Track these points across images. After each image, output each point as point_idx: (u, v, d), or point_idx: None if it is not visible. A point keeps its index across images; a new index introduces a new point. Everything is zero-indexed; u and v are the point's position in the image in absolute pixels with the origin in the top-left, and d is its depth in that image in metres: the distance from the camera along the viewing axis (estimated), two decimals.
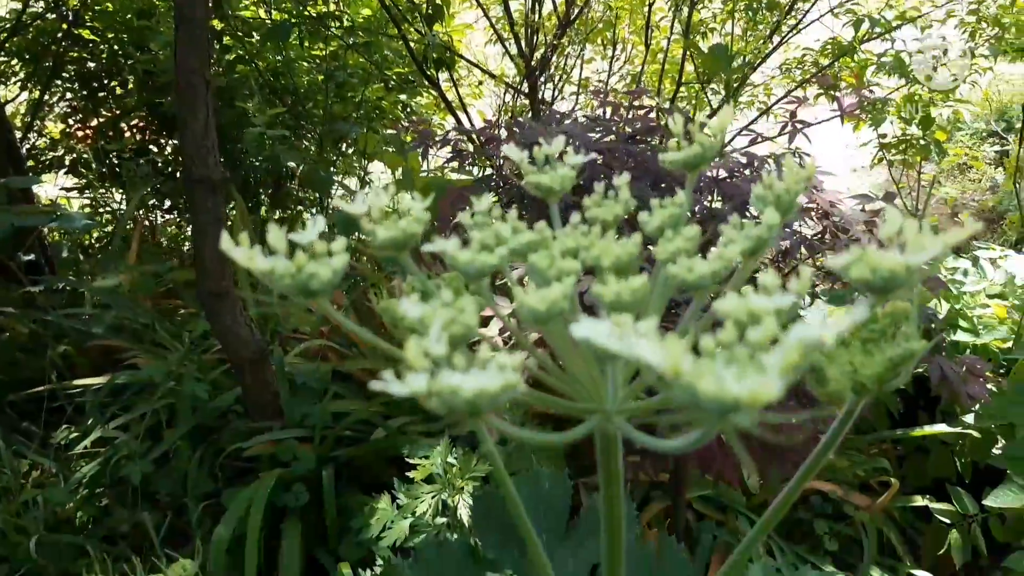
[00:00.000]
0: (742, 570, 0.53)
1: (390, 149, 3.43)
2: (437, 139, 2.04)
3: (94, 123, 3.78)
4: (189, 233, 3.65)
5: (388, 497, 1.78)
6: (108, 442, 2.31)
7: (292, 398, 2.14)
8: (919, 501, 2.20)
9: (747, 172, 1.87)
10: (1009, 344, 2.15)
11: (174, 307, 2.89)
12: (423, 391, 0.31)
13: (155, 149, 3.80)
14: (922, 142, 3.97)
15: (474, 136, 2.02)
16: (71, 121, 3.80)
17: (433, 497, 1.63)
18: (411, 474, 1.69)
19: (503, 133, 1.89)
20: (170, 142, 3.78)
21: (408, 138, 3.18)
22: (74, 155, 3.70)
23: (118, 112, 3.75)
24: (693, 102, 3.89)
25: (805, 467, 0.48)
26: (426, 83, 2.97)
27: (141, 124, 3.91)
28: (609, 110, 1.98)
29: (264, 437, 2.03)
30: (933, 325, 2.19)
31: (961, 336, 2.14)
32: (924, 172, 5.48)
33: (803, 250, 1.62)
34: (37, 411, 2.45)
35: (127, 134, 3.76)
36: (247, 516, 1.82)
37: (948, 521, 2.10)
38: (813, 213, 1.69)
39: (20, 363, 2.59)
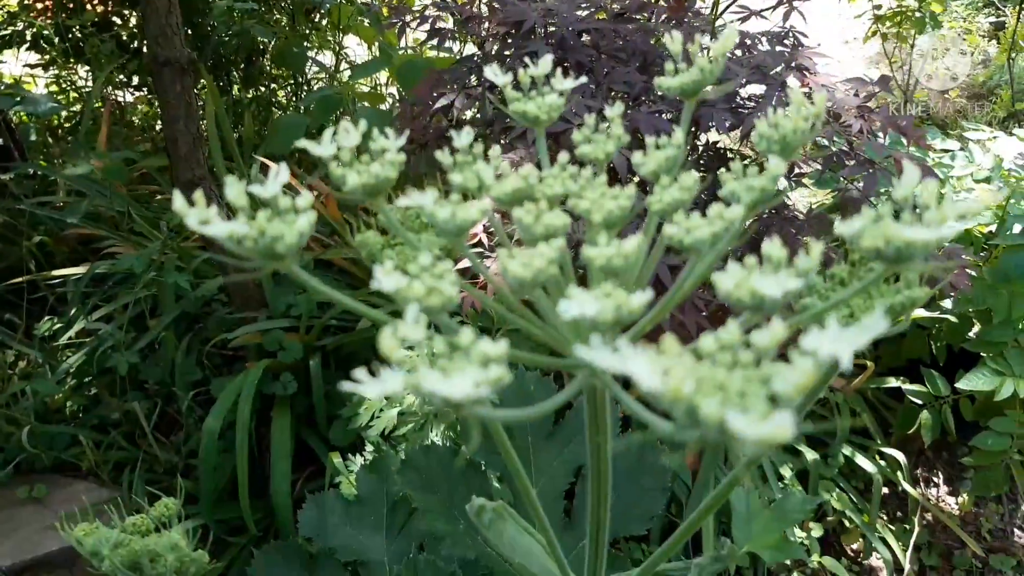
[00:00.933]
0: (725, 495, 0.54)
1: (365, 21, 3.26)
2: (415, 15, 1.94)
3: None
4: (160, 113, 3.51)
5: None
6: (92, 332, 2.31)
7: (276, 288, 2.13)
8: (893, 382, 2.26)
9: (739, 53, 1.80)
10: (992, 229, 2.15)
11: (150, 192, 2.82)
12: (398, 392, 0.29)
13: (119, 22, 3.59)
14: (918, 14, 3.84)
15: (454, 10, 1.91)
16: None
17: None
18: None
19: (484, 10, 1.79)
20: (134, 14, 3.57)
21: (385, 11, 3.02)
22: (34, 29, 3.50)
23: None
24: None
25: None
26: None
27: None
28: None
29: (250, 327, 2.03)
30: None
31: None
32: (921, 46, 5.33)
33: None
34: (18, 302, 2.43)
35: (88, 7, 3.55)
36: (236, 406, 1.84)
37: (920, 402, 2.17)
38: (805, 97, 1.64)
39: None
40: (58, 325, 2.32)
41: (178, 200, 0.36)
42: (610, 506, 0.92)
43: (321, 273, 2.21)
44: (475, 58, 1.78)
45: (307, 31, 3.52)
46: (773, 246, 0.32)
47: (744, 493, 0.53)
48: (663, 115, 1.57)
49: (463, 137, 0.45)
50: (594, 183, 0.40)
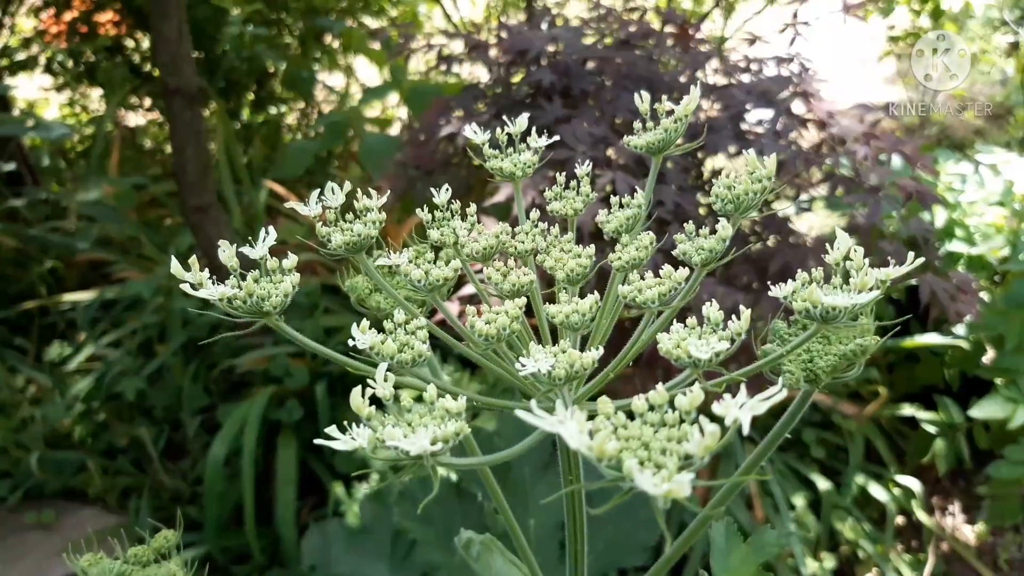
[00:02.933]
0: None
1: (375, 45, 3.29)
2: (420, 44, 1.95)
3: (67, 18, 3.62)
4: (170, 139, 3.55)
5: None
6: (101, 358, 2.32)
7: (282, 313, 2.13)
8: (907, 410, 2.22)
9: (744, 79, 1.79)
10: (1005, 253, 2.12)
11: (160, 217, 2.84)
12: (366, 447, 0.33)
13: (131, 44, 3.64)
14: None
15: (463, 37, 1.92)
16: (43, 16, 3.63)
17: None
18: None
19: (491, 39, 1.80)
20: (147, 36, 3.62)
21: (395, 35, 3.04)
22: (48, 53, 3.55)
23: (92, 5, 3.57)
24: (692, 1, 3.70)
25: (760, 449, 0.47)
26: None
27: (116, 19, 3.74)
28: (603, 12, 1.88)
29: (256, 353, 2.03)
30: (927, 238, 2.16)
31: (957, 246, 2.11)
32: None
33: (799, 163, 1.56)
34: (28, 327, 2.45)
35: (102, 31, 3.60)
36: (241, 433, 1.84)
37: (934, 429, 2.14)
38: (810, 124, 1.63)
39: (8, 278, 2.56)
40: (68, 350, 2.33)
41: (175, 265, 0.41)
42: (608, 538, 0.91)
43: (329, 298, 2.21)
44: (480, 86, 1.79)
45: (317, 55, 3.55)
46: (712, 309, 0.35)
47: (723, 527, 0.52)
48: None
49: (442, 194, 0.46)
50: (561, 241, 0.42)
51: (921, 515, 2.21)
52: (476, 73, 2.14)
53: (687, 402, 0.30)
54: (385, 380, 0.36)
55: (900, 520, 2.29)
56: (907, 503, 2.22)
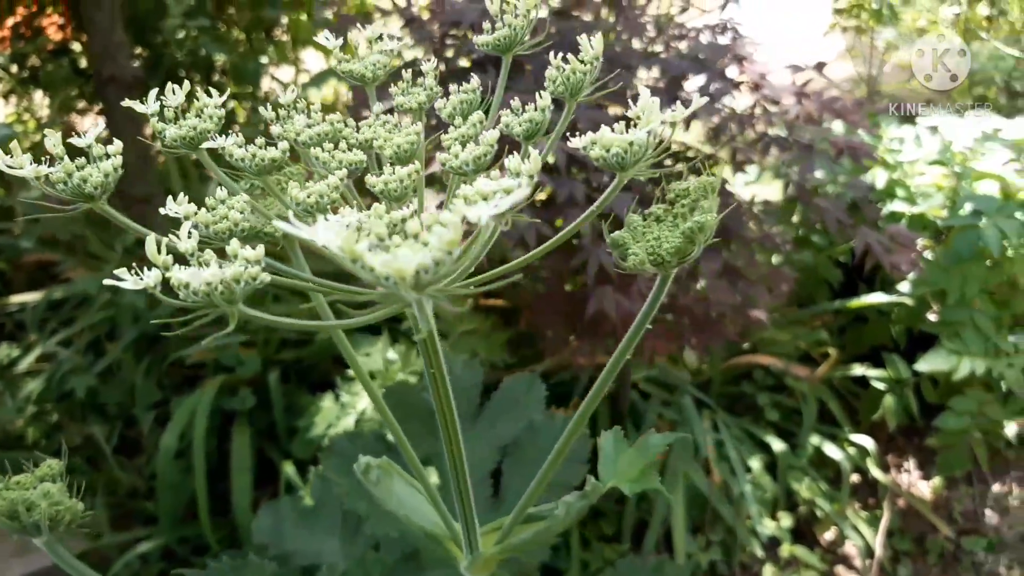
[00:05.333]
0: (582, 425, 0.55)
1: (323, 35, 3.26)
2: (358, 21, 1.94)
3: (9, 22, 3.55)
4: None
5: (332, 396, 1.80)
6: (51, 358, 2.28)
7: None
8: (857, 370, 2.26)
9: (681, 47, 1.81)
10: (946, 212, 2.16)
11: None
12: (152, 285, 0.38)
13: (78, 47, 3.58)
14: (874, 5, 3.87)
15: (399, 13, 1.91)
16: None
17: None
18: (351, 372, 1.69)
19: (424, 14, 1.80)
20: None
21: (333, 18, 3.03)
22: None
23: (36, 7, 3.51)
24: None
25: (628, 336, 0.47)
26: None
27: (60, 22, 3.68)
28: None
29: (206, 343, 2.01)
30: (869, 197, 2.19)
31: (898, 206, 2.14)
32: (885, 38, 5.38)
33: (733, 125, 1.58)
34: None
35: (46, 33, 3.54)
36: (193, 422, 1.83)
37: (883, 386, 2.18)
38: (744, 86, 1.65)
39: None
40: (16, 351, 2.29)
41: None
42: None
43: (274, 287, 2.19)
44: (418, 61, 1.78)
45: (265, 47, 3.51)
46: (512, 160, 0.35)
47: (611, 435, 0.53)
48: (600, 108, 1.57)
49: (287, 95, 0.46)
50: (403, 129, 0.42)
51: (876, 472, 2.25)
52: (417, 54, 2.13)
53: (442, 217, 0.30)
54: (189, 236, 0.37)
55: (856, 478, 2.34)
56: (862, 461, 2.26)
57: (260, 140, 0.42)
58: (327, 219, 0.30)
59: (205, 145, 0.42)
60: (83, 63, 3.48)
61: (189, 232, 0.36)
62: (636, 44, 1.82)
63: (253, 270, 0.35)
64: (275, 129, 0.44)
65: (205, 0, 3.06)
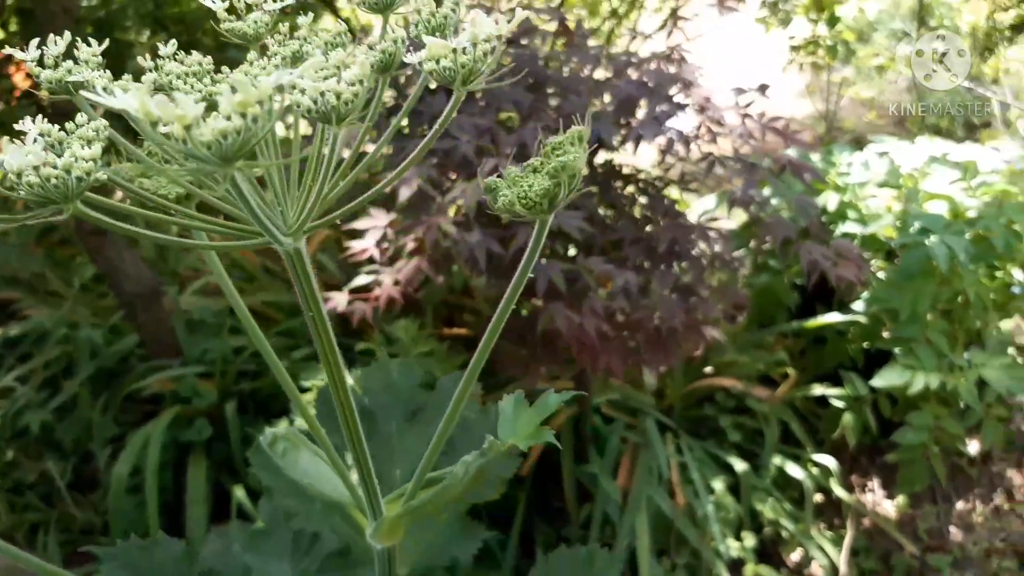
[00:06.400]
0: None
1: None
2: None
3: None
4: None
5: (287, 421, 1.78)
6: (7, 394, 2.25)
7: (190, 335, 2.10)
8: (817, 389, 2.28)
9: (630, 73, 1.85)
10: (896, 233, 2.21)
11: (71, 255, 2.79)
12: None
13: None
14: (829, 42, 4.00)
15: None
16: None
17: None
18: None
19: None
20: None
21: None
22: None
23: None
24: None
25: (514, 282, 0.48)
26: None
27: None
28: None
29: (163, 375, 2.00)
30: (815, 215, 2.24)
31: (850, 227, 2.19)
32: (843, 74, 5.54)
33: (678, 146, 1.62)
34: None
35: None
36: (146, 454, 1.80)
37: (842, 404, 2.20)
38: (690, 108, 1.69)
39: None
40: None
41: None
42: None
43: (233, 319, 2.19)
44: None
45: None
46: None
47: (513, 399, 0.54)
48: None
49: (168, 47, 0.47)
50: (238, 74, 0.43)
51: (839, 491, 2.25)
52: None
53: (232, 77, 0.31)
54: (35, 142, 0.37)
55: (820, 498, 2.34)
56: (825, 481, 2.27)
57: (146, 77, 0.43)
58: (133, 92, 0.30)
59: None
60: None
61: (35, 139, 0.36)
62: (585, 72, 1.86)
63: (86, 164, 0.35)
64: (148, 76, 0.45)
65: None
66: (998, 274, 2.26)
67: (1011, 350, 2.31)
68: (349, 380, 1.14)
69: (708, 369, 2.42)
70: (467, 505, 0.84)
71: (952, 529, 2.36)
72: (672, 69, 1.84)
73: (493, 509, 2.23)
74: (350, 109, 0.37)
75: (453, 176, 1.57)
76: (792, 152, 2.51)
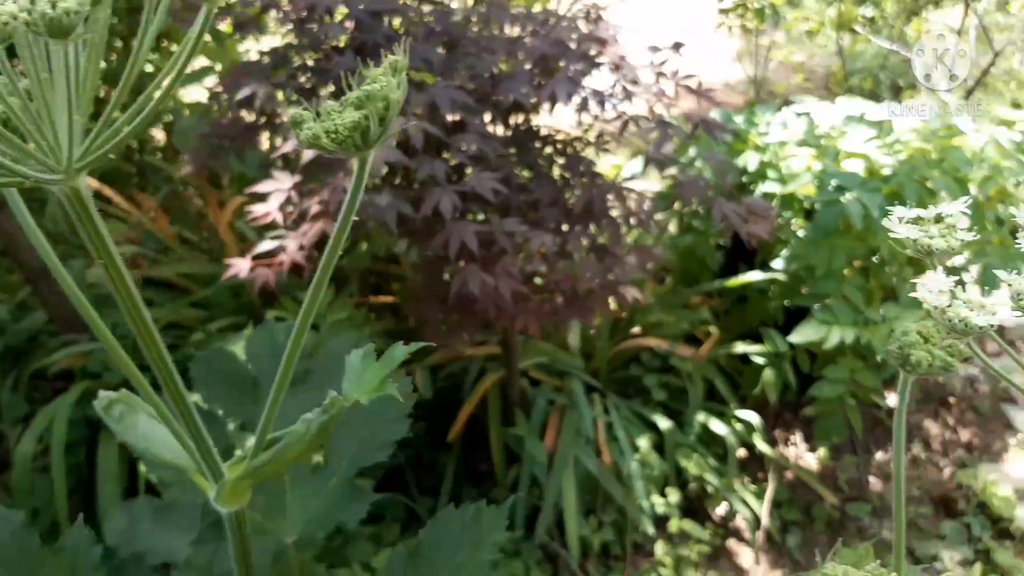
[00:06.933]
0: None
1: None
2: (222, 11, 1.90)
3: None
4: None
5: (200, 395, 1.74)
6: None
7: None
8: (740, 347, 2.32)
9: (546, 31, 1.83)
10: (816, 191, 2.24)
11: None
12: None
13: None
14: (757, 5, 4.02)
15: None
16: None
17: None
18: None
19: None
20: None
21: (228, 28, 2.96)
22: None
23: None
24: None
25: (340, 220, 0.46)
26: None
27: None
28: None
29: (71, 350, 1.92)
30: (744, 178, 2.26)
31: (770, 187, 2.21)
32: (773, 39, 5.60)
33: (593, 105, 1.61)
34: None
35: None
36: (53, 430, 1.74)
37: (763, 361, 2.24)
38: (605, 67, 1.68)
39: None
40: None
41: None
42: (360, 438, 0.89)
43: (152, 290, 2.12)
44: (280, 50, 1.75)
45: (150, 54, 3.41)
46: None
47: (362, 353, 0.52)
48: (463, 90, 1.57)
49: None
50: None
51: (762, 446, 2.30)
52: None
53: None
54: None
55: (746, 453, 2.39)
56: (749, 436, 2.32)
57: None
58: None
59: None
60: None
61: None
62: (505, 31, 1.83)
63: None
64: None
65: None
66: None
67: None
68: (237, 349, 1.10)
69: (636, 330, 2.44)
70: (355, 470, 0.82)
71: (872, 479, 2.44)
72: (589, 28, 1.82)
73: (423, 475, 2.23)
74: (72, 21, 0.33)
75: None
76: (716, 114, 2.53)
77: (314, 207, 1.33)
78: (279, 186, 1.39)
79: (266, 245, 1.43)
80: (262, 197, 1.41)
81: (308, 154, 1.31)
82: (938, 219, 0.46)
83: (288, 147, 1.38)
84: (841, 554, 0.55)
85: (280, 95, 1.55)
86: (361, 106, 0.39)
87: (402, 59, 0.42)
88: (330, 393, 0.50)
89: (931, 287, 0.41)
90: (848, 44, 6.26)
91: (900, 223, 0.45)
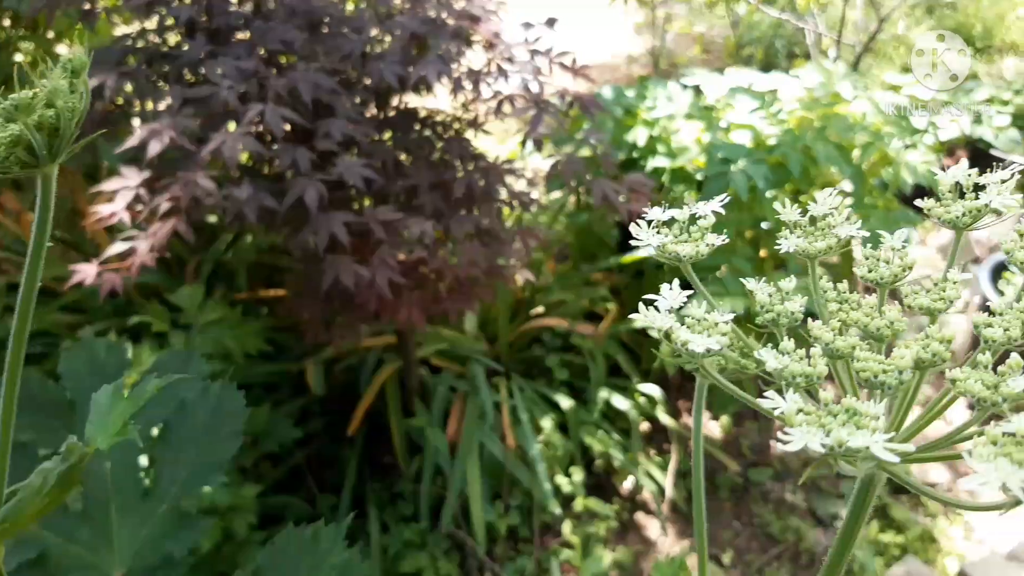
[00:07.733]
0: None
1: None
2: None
3: None
4: None
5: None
6: None
7: None
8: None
9: (415, 8, 1.76)
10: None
11: None
12: None
13: None
14: None
15: None
16: None
17: None
18: None
19: None
20: None
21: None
22: None
23: None
24: None
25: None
26: None
27: None
28: None
29: None
30: (635, 153, 2.26)
31: (659, 161, 2.21)
32: (673, 11, 5.64)
33: (468, 83, 1.56)
34: None
35: None
36: None
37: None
38: (479, 45, 1.63)
39: None
40: None
41: None
42: (192, 461, 0.83)
43: (14, 296, 1.98)
44: (131, 37, 1.64)
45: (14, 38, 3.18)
46: None
47: (110, 389, 0.46)
48: (329, 72, 1.50)
49: None
50: None
51: (665, 418, 2.33)
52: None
53: None
54: None
55: (648, 427, 2.41)
56: (651, 409, 2.34)
57: None
58: None
59: None
60: None
61: None
62: (375, 8, 1.76)
63: None
64: None
65: None
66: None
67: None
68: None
69: (538, 310, 2.42)
70: (178, 499, 0.77)
71: (772, 443, 2.49)
72: (462, 5, 1.76)
73: (324, 472, 2.16)
74: None
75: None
76: (608, 89, 2.51)
77: (164, 204, 1.24)
78: (126, 183, 1.29)
79: (117, 247, 1.34)
80: (110, 196, 1.31)
81: (154, 148, 1.22)
82: (693, 220, 0.43)
83: (134, 141, 1.29)
84: (658, 567, 0.53)
85: (129, 87, 1.44)
86: (11, 119, 0.33)
87: (80, 57, 0.36)
88: (69, 438, 0.44)
89: (662, 305, 0.39)
90: (744, 14, 6.36)
91: (648, 228, 0.43)
